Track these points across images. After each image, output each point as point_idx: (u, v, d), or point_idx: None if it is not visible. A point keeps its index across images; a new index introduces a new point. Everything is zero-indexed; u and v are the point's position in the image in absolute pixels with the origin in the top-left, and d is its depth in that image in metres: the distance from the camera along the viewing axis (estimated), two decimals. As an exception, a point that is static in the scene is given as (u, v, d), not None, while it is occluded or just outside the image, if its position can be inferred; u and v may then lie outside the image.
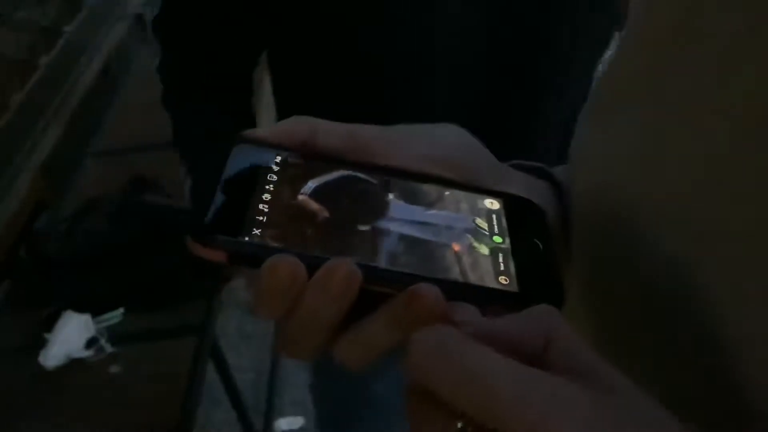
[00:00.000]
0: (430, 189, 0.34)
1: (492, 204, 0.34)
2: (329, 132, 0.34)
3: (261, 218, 0.30)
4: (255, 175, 0.32)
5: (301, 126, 0.34)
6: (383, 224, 0.32)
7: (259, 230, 0.29)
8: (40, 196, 1.50)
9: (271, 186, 0.31)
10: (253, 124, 0.86)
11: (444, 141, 0.36)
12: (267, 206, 0.30)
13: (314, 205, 0.31)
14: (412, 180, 0.34)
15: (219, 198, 0.30)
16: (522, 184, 0.37)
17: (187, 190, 0.84)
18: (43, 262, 1.32)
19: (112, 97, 1.86)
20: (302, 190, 0.32)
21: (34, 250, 1.36)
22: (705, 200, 0.28)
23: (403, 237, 0.31)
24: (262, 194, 0.31)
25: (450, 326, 0.25)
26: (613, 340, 0.34)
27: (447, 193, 0.34)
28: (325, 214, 0.31)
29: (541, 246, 0.33)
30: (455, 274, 0.30)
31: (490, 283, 0.31)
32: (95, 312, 1.18)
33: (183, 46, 0.82)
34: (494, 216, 0.34)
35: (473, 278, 0.31)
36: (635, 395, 0.23)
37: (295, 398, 1.85)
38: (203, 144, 0.75)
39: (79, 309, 1.18)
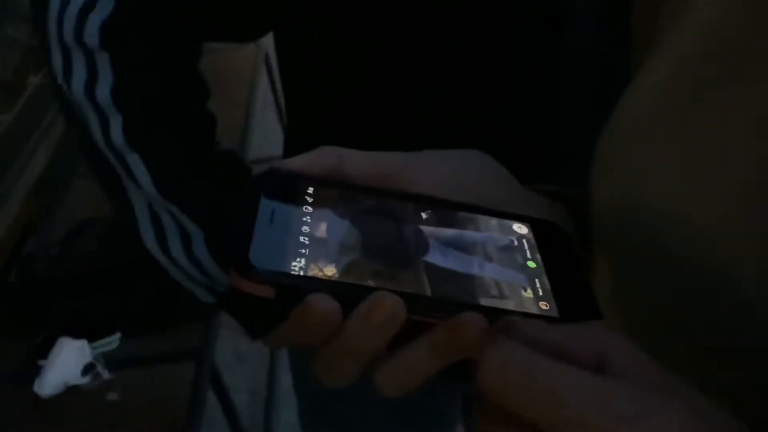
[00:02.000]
0: (463, 217, 0.34)
1: (520, 228, 0.35)
2: (356, 161, 0.34)
3: (303, 251, 0.30)
4: (291, 208, 0.32)
5: (328, 155, 0.34)
6: (422, 254, 0.32)
7: (302, 262, 0.29)
8: (30, 219, 1.47)
9: (308, 218, 0.32)
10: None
11: (468, 167, 0.37)
12: (306, 238, 0.30)
13: (354, 236, 0.31)
14: (439, 207, 0.34)
15: (258, 232, 0.30)
16: (543, 208, 0.38)
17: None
18: (35, 286, 1.29)
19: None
20: (341, 221, 0.32)
21: (24, 274, 1.33)
22: (743, 216, 0.28)
23: (443, 265, 0.31)
24: (300, 226, 0.31)
25: (514, 341, 0.26)
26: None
27: (480, 220, 0.35)
28: (365, 243, 0.31)
29: (572, 269, 0.34)
30: (496, 301, 0.31)
31: (531, 309, 0.31)
32: (91, 337, 1.16)
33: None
34: (524, 241, 0.34)
35: (514, 305, 0.31)
36: (710, 406, 0.24)
37: (292, 419, 1.83)
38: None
39: (74, 334, 1.15)
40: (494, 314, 0.29)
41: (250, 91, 1.86)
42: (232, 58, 2.13)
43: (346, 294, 0.28)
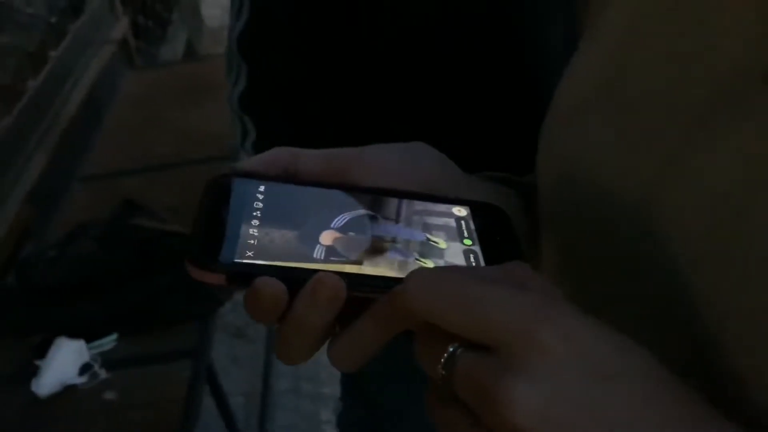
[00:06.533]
0: (407, 202, 0.37)
1: (459, 211, 0.37)
2: (308, 158, 0.37)
3: (252, 241, 0.33)
4: (244, 203, 0.34)
5: (282, 154, 0.37)
6: (367, 237, 0.35)
7: (252, 252, 0.32)
8: (27, 223, 1.49)
9: (259, 212, 0.34)
10: None
11: (414, 158, 0.39)
12: (257, 230, 0.33)
13: (303, 225, 0.34)
14: (386, 196, 0.37)
15: (213, 226, 0.33)
16: (486, 192, 0.41)
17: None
18: (32, 289, 1.30)
19: (98, 121, 1.86)
20: (291, 214, 0.35)
21: (22, 277, 1.34)
22: (667, 182, 0.31)
23: (385, 246, 0.34)
24: (252, 220, 0.34)
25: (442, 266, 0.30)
26: None
27: (422, 205, 0.37)
28: (313, 231, 0.34)
29: (506, 244, 0.36)
30: None
31: None
32: (88, 337, 1.17)
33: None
34: (462, 221, 0.37)
35: None
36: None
37: (286, 422, 1.84)
38: None
39: (71, 335, 1.16)
40: None
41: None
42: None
43: (293, 276, 0.31)
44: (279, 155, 0.37)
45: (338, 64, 0.81)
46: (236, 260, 0.31)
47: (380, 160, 0.38)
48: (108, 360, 1.15)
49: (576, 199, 0.36)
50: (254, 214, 0.34)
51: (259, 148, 0.85)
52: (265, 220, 0.34)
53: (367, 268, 0.33)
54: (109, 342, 1.18)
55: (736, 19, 0.29)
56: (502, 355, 0.25)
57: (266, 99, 0.84)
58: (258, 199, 0.35)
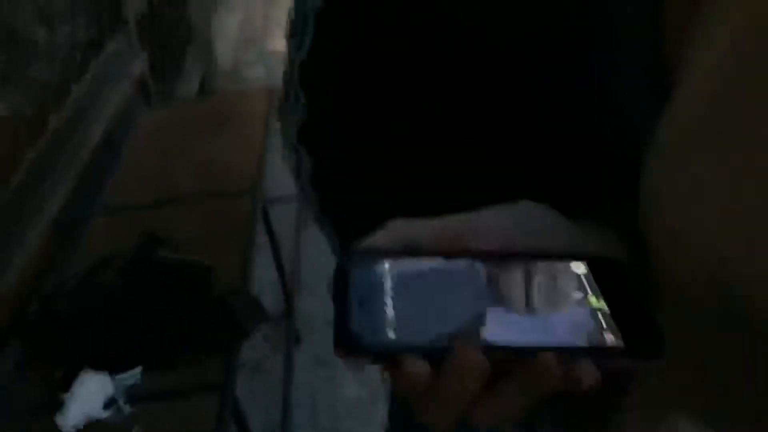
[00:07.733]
0: (525, 265, 0.37)
1: (579, 267, 0.38)
2: (424, 230, 0.38)
3: (392, 319, 0.34)
4: (376, 283, 0.36)
5: (399, 229, 0.38)
6: (495, 306, 0.35)
7: (393, 331, 0.34)
8: (49, 255, 1.48)
9: (393, 291, 0.36)
10: None
11: (526, 220, 0.39)
12: (393, 309, 0.35)
13: (432, 299, 0.35)
14: (503, 260, 0.38)
15: (352, 308, 0.35)
16: (602, 245, 0.40)
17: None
18: (55, 320, 1.29)
19: (118, 155, 1.86)
20: (420, 289, 0.36)
21: (44, 308, 1.34)
22: None
23: (514, 314, 0.35)
24: (388, 298, 0.35)
25: None
26: (707, 382, 0.35)
27: (540, 265, 0.37)
28: (449, 304, 0.35)
29: (633, 300, 0.36)
30: (569, 338, 0.34)
31: (599, 342, 0.34)
32: (111, 370, 1.16)
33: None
34: (584, 278, 0.37)
35: (585, 341, 0.34)
36: None
37: (304, 457, 1.81)
38: None
39: (94, 367, 1.15)
40: (571, 351, 0.33)
41: (265, 130, 1.89)
42: (247, 97, 2.17)
43: (436, 354, 0.33)
44: (396, 231, 0.38)
45: (402, 96, 0.81)
46: (379, 341, 0.33)
47: (494, 225, 0.38)
48: (132, 394, 1.13)
49: (689, 261, 0.32)
50: (389, 293, 0.36)
51: (316, 180, 0.84)
52: (400, 298, 0.35)
53: (502, 337, 0.34)
54: (133, 376, 1.17)
55: None
56: None
57: (326, 131, 0.84)
58: (390, 278, 0.36)
